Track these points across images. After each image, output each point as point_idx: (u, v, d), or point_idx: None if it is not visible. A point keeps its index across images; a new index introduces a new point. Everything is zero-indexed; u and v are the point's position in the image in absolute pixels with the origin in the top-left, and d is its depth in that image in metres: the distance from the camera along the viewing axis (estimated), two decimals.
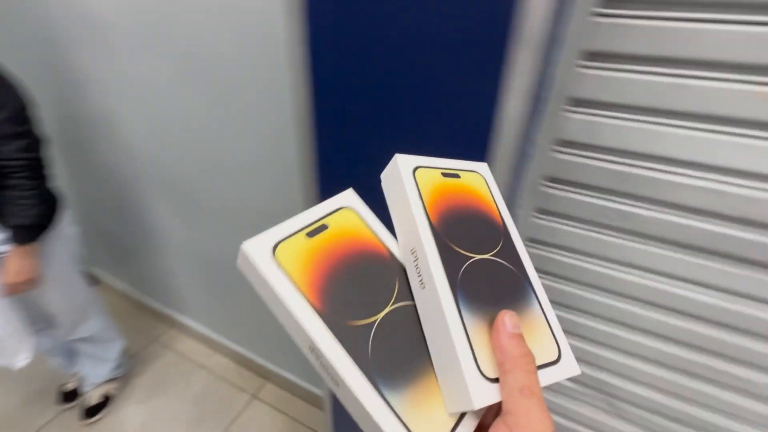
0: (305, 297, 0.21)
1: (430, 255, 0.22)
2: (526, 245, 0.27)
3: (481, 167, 0.29)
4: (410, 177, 0.25)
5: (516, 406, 0.19)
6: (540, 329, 0.24)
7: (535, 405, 0.19)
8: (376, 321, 0.22)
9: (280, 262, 0.21)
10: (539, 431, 0.18)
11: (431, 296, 0.22)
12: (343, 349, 0.20)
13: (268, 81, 0.84)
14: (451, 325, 0.20)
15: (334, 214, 0.25)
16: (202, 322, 1.54)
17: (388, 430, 0.19)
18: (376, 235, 0.25)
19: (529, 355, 0.20)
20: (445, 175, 0.27)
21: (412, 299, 0.24)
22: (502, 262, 0.25)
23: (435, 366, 0.22)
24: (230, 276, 1.26)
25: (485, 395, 0.20)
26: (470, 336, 0.21)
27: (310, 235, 0.23)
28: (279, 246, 0.22)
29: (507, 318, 0.21)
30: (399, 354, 0.22)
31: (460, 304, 0.21)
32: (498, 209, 0.27)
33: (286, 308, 0.21)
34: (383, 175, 0.27)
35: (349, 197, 0.26)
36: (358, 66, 0.46)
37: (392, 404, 0.20)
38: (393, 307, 0.23)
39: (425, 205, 0.24)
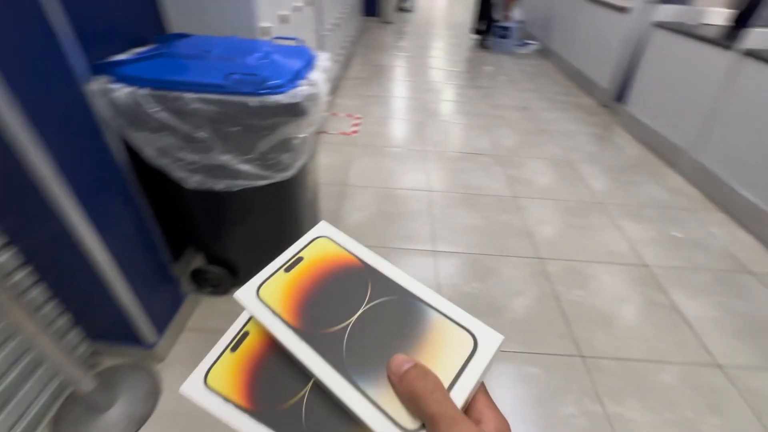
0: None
1: (306, 360, 0.23)
2: None
3: (321, 228, 0.31)
4: (256, 302, 0.26)
5: (444, 428, 0.19)
6: (446, 331, 0.24)
7: (450, 424, 0.19)
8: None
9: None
10: None
11: (329, 389, 0.22)
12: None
13: None
14: (356, 408, 0.21)
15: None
16: None
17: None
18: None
19: (424, 384, 0.21)
20: (288, 269, 0.28)
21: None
22: (377, 302, 0.26)
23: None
24: None
25: None
26: (379, 403, 0.21)
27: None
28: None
29: (392, 364, 0.22)
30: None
31: (355, 380, 0.22)
32: (353, 254, 0.29)
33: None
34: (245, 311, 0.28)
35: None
36: None
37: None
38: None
39: (281, 316, 0.25)
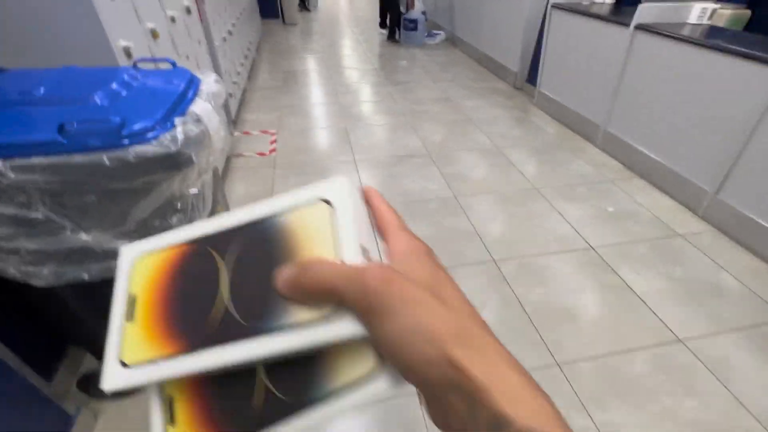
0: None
1: (222, 360, 0.20)
2: None
3: (126, 253, 0.26)
4: (130, 371, 0.22)
5: (344, 296, 0.18)
6: (300, 218, 0.23)
7: (349, 274, 0.19)
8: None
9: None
10: (369, 277, 0.18)
11: (261, 359, 0.21)
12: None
13: None
14: (287, 346, 0.20)
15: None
16: None
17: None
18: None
19: (303, 272, 0.20)
20: (129, 317, 0.24)
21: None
22: (233, 252, 0.23)
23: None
24: None
25: (336, 327, 0.20)
26: (296, 322, 0.20)
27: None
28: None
29: (277, 285, 0.20)
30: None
31: (268, 327, 0.20)
32: (177, 245, 0.25)
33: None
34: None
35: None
36: None
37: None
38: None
39: (165, 356, 0.21)
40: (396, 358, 0.17)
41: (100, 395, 1.09)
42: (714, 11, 2.07)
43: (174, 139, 0.68)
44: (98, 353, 1.06)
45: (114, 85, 0.77)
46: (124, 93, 0.78)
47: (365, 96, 3.30)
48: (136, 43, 1.09)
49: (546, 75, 2.95)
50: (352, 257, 0.20)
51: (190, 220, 0.79)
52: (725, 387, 1.18)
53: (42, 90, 0.73)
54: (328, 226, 0.22)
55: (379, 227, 0.24)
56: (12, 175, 0.62)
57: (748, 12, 2.15)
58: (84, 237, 0.72)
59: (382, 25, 5.03)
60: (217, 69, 2.22)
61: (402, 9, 4.59)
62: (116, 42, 1.01)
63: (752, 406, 1.13)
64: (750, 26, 2.16)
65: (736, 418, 1.11)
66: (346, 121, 2.81)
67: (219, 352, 0.20)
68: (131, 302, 0.24)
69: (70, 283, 0.76)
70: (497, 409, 0.14)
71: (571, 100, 2.70)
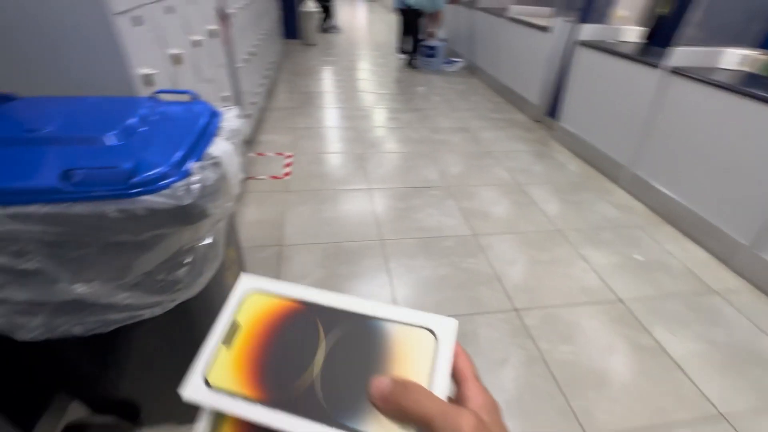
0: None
1: (291, 428, 0.21)
2: None
3: (246, 281, 0.28)
4: (210, 393, 0.23)
5: (439, 424, 0.20)
6: (406, 336, 0.24)
7: (443, 416, 0.20)
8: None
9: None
10: (464, 425, 0.19)
11: None
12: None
13: None
14: None
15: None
16: None
17: None
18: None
19: (407, 394, 0.21)
20: (227, 341, 0.25)
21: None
22: (333, 338, 0.25)
23: None
24: None
25: None
26: (376, 426, 0.21)
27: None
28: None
29: (372, 389, 0.22)
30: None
31: (345, 423, 0.21)
32: (291, 299, 0.27)
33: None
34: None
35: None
36: None
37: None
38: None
39: (243, 395, 0.22)
40: None
41: None
42: (749, 57, 2.00)
43: (188, 191, 0.60)
44: (89, 401, 0.98)
45: (130, 121, 0.71)
46: (140, 129, 0.72)
47: (382, 122, 3.26)
48: (157, 70, 1.05)
49: (568, 110, 2.90)
50: (441, 392, 0.22)
51: (199, 272, 0.71)
52: None
53: (50, 126, 0.67)
54: (429, 354, 0.23)
55: (455, 370, 0.24)
56: (8, 224, 0.55)
57: None
58: (79, 289, 0.65)
59: (402, 49, 5.07)
60: (237, 91, 2.20)
61: (422, 36, 4.62)
62: (137, 70, 0.96)
63: None
64: None
65: None
66: (362, 147, 2.76)
67: (293, 422, 0.21)
68: (234, 329, 0.25)
69: (61, 336, 0.68)
70: None
71: (595, 137, 2.62)
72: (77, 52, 0.89)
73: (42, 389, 1.01)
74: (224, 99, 1.83)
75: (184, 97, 0.88)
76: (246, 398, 0.22)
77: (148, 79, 1.00)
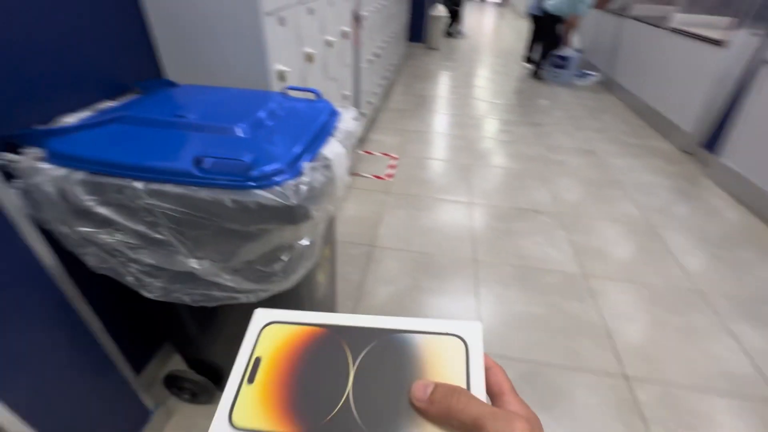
0: None
1: None
2: None
3: (260, 316, 0.27)
4: None
5: (491, 426, 0.19)
6: (435, 345, 0.24)
7: (493, 418, 0.19)
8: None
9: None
10: (517, 427, 0.19)
11: None
12: None
13: None
14: None
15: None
16: None
17: None
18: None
19: (457, 396, 0.21)
20: (251, 379, 0.24)
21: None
22: (361, 356, 0.24)
23: None
24: None
25: None
26: None
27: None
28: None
29: (415, 394, 0.22)
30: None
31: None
32: (311, 325, 0.26)
33: None
34: None
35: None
36: None
37: None
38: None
39: (274, 431, 0.22)
40: None
41: (177, 395, 1.12)
42: None
43: (296, 191, 0.60)
44: (189, 359, 1.09)
45: (259, 114, 0.75)
46: (266, 123, 0.75)
47: (494, 133, 3.08)
48: (291, 67, 1.11)
49: (736, 143, 2.34)
50: (480, 396, 0.22)
51: (294, 268, 0.72)
52: None
53: (194, 113, 0.74)
54: (462, 360, 0.23)
55: (490, 383, 0.23)
56: (147, 198, 0.62)
57: None
58: (193, 264, 0.70)
59: (528, 58, 4.75)
60: (357, 90, 2.28)
61: (554, 44, 4.25)
62: (274, 66, 1.03)
63: None
64: None
65: None
66: (468, 157, 2.64)
67: None
68: (255, 365, 0.24)
69: (174, 301, 0.75)
70: None
71: None
72: (231, 46, 0.99)
73: (154, 338, 1.16)
74: (344, 97, 1.90)
75: (310, 95, 0.91)
76: None
77: (281, 75, 1.07)
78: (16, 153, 0.68)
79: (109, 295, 0.89)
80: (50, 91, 0.77)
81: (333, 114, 0.86)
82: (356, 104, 2.34)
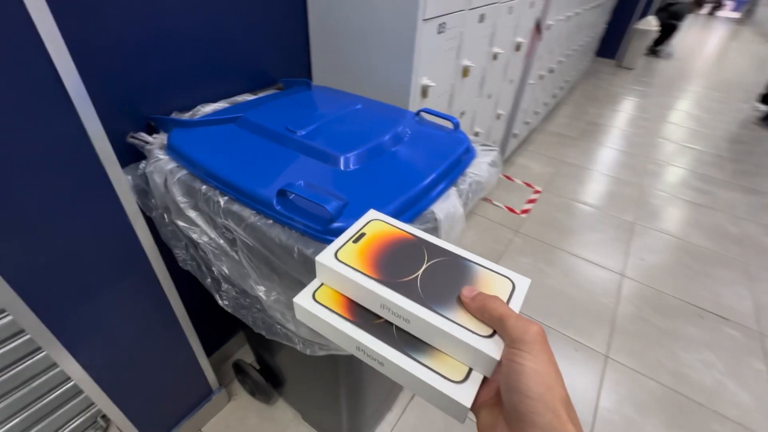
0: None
1: (395, 299, 0.29)
2: None
3: (372, 214, 0.38)
4: (337, 263, 0.32)
5: (508, 327, 0.25)
6: (491, 278, 0.32)
7: (516, 318, 0.26)
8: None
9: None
10: (529, 331, 0.24)
11: (417, 321, 0.28)
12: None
13: None
14: (444, 327, 0.27)
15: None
16: None
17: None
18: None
19: (493, 298, 0.28)
20: (355, 240, 0.34)
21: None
22: (433, 261, 0.33)
23: (449, 353, 0.28)
24: None
25: (488, 345, 0.26)
26: (458, 322, 0.28)
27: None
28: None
29: (464, 291, 0.29)
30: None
31: (437, 310, 0.28)
32: (405, 231, 0.36)
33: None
34: (319, 273, 0.33)
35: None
36: None
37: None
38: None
39: (362, 271, 0.31)
40: (519, 384, 0.23)
41: (243, 385, 1.13)
42: None
43: None
44: (256, 354, 1.09)
45: (379, 139, 0.63)
46: (388, 149, 0.63)
47: (682, 189, 2.37)
48: (436, 82, 0.96)
49: None
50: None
51: None
52: None
53: (310, 126, 0.65)
54: (506, 294, 0.30)
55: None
56: (223, 217, 0.56)
57: None
58: (260, 293, 0.63)
59: (764, 97, 3.55)
60: (514, 108, 2.00)
61: None
62: (419, 79, 0.89)
63: None
64: None
65: None
66: (636, 213, 2.09)
67: (396, 296, 0.29)
68: (360, 235, 0.35)
69: (240, 318, 0.71)
70: None
71: None
72: (379, 53, 0.89)
73: (230, 325, 1.20)
74: (498, 117, 1.66)
75: (446, 123, 0.74)
76: (364, 273, 0.30)
77: (424, 90, 0.92)
78: (151, 135, 0.70)
79: (195, 281, 0.92)
80: (202, 80, 0.79)
81: (466, 152, 0.68)
82: (509, 125, 2.06)
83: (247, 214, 0.53)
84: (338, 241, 0.33)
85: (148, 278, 0.73)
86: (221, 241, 0.62)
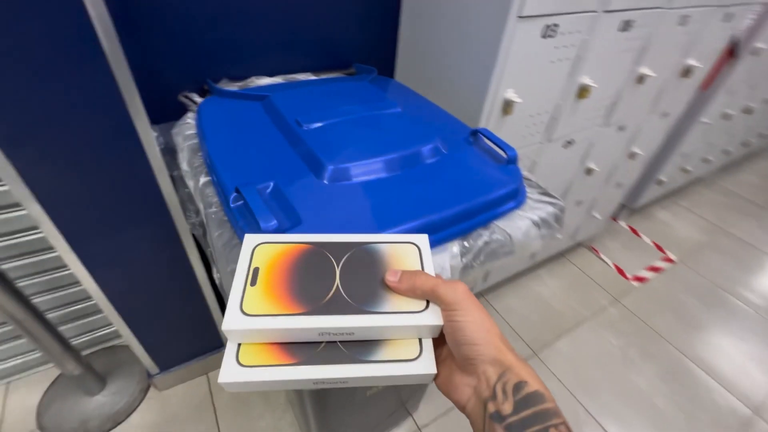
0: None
1: (332, 322, 0.28)
2: None
3: (251, 240, 0.33)
4: (249, 319, 0.28)
5: (440, 295, 0.28)
6: (397, 250, 0.33)
7: (444, 285, 0.28)
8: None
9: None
10: (457, 291, 0.28)
11: (360, 330, 0.28)
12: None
13: None
14: (385, 323, 0.28)
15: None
16: None
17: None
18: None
19: (417, 274, 0.30)
20: (253, 282, 0.30)
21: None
22: (343, 261, 0.32)
23: (397, 338, 0.29)
24: None
25: (429, 317, 0.28)
26: (395, 310, 0.29)
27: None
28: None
29: (388, 277, 0.30)
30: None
31: (372, 309, 0.29)
32: (296, 243, 0.33)
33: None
34: (232, 339, 0.29)
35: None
36: None
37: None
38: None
39: (282, 313, 0.28)
40: (464, 337, 0.26)
41: None
42: None
43: None
44: None
45: (394, 155, 0.51)
46: (388, 174, 0.51)
47: None
48: (532, 99, 0.76)
49: None
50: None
51: None
52: None
53: (315, 125, 0.56)
54: (416, 258, 0.32)
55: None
56: (199, 201, 0.52)
57: None
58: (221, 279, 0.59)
59: None
60: (667, 150, 1.56)
61: None
62: (501, 90, 0.72)
63: None
64: None
65: None
66: None
67: (334, 319, 0.28)
68: (255, 272, 0.30)
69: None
70: (521, 376, 0.24)
71: None
72: (459, 49, 0.74)
73: None
74: (631, 156, 1.30)
75: (500, 152, 0.57)
76: (285, 314, 0.28)
77: (507, 106, 0.74)
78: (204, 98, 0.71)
79: None
80: (264, 51, 0.77)
81: (507, 199, 0.51)
82: (652, 168, 1.62)
83: (214, 201, 0.49)
84: (234, 295, 0.29)
85: (167, 231, 0.77)
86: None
